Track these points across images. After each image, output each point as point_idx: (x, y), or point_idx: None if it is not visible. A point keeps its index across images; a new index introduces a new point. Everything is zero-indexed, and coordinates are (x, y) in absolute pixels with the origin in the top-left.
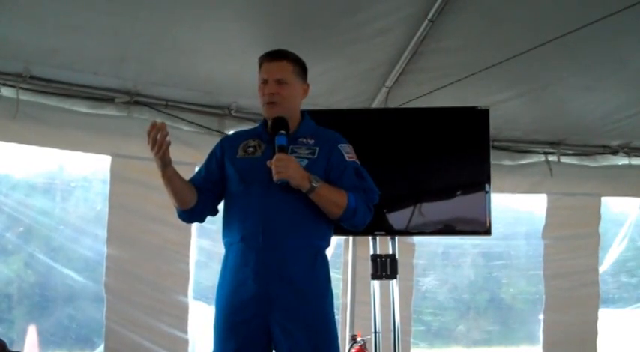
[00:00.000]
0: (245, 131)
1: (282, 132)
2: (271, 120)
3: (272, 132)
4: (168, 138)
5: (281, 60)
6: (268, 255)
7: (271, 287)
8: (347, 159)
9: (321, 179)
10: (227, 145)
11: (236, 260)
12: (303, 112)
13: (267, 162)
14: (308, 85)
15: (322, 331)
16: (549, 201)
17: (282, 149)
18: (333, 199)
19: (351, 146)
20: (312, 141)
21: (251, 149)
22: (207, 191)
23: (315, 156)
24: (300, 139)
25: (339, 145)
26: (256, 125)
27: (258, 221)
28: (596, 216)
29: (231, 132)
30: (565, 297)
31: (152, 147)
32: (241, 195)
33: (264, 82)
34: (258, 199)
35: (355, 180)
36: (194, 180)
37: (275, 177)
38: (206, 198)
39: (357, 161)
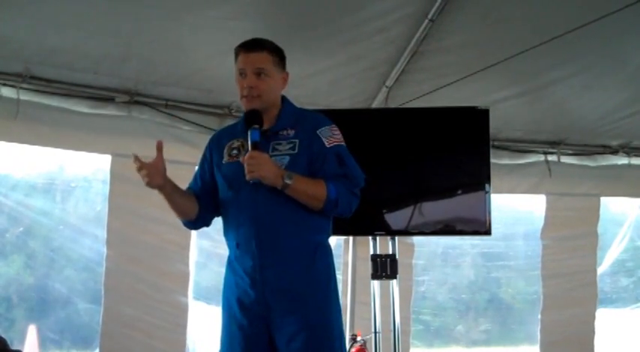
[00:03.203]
0: (230, 128)
1: (256, 126)
2: (244, 115)
3: (245, 126)
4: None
5: (259, 50)
6: (264, 260)
7: (269, 293)
8: (327, 145)
9: (295, 173)
10: (215, 147)
11: (236, 265)
12: (283, 98)
13: (240, 159)
14: (287, 74)
15: (322, 336)
16: (548, 202)
17: (256, 146)
18: (311, 193)
19: (333, 127)
20: (292, 133)
21: (235, 151)
22: (207, 197)
23: (296, 151)
24: (281, 133)
25: (318, 131)
26: (239, 119)
27: (250, 227)
28: (595, 216)
29: None
30: (563, 297)
31: (143, 177)
32: (232, 201)
33: (242, 74)
34: (248, 205)
35: (336, 167)
36: (193, 189)
37: (247, 177)
38: (207, 205)
39: (339, 143)
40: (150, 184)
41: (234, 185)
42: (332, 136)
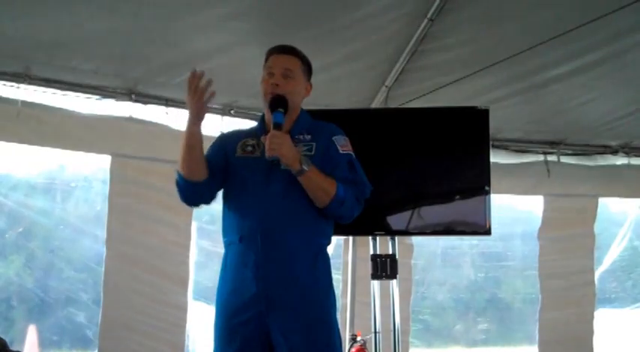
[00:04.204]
0: (243, 130)
1: (280, 110)
2: (270, 98)
3: (270, 109)
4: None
5: (290, 54)
6: (267, 255)
7: (270, 288)
8: (340, 151)
9: (312, 163)
10: (226, 142)
11: (235, 260)
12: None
13: (262, 137)
14: (311, 85)
15: (322, 332)
16: (546, 202)
17: (278, 127)
18: (322, 186)
19: (346, 138)
20: (308, 137)
21: (249, 148)
22: (215, 174)
23: (313, 152)
24: (297, 136)
25: (334, 138)
26: (255, 124)
27: (256, 221)
28: (592, 217)
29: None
30: (561, 297)
31: (192, 94)
32: (240, 194)
33: (270, 74)
34: (256, 199)
35: (347, 172)
36: (207, 158)
37: (267, 154)
38: (212, 181)
39: (352, 153)
40: (199, 102)
41: (245, 178)
42: (345, 145)
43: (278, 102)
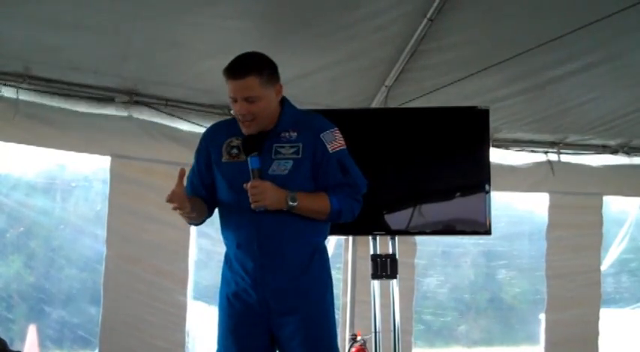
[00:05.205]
0: (225, 124)
1: (254, 154)
2: (242, 142)
3: (245, 154)
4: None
5: (244, 76)
6: (265, 261)
7: (269, 294)
8: (330, 151)
9: (298, 192)
10: (211, 143)
11: (235, 264)
12: (283, 100)
13: (244, 186)
14: (281, 86)
15: (322, 332)
16: (551, 200)
17: (256, 172)
18: (315, 209)
19: (335, 131)
20: (294, 135)
21: (235, 151)
22: (209, 197)
23: (300, 155)
24: (283, 134)
25: (321, 135)
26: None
27: (252, 230)
28: (599, 216)
29: None
30: (567, 297)
31: (174, 208)
32: (233, 203)
33: (234, 101)
34: (250, 207)
35: (339, 176)
36: (194, 191)
37: (253, 206)
38: (212, 204)
39: (342, 148)
40: (183, 211)
41: (235, 186)
42: (334, 140)
43: (251, 145)
